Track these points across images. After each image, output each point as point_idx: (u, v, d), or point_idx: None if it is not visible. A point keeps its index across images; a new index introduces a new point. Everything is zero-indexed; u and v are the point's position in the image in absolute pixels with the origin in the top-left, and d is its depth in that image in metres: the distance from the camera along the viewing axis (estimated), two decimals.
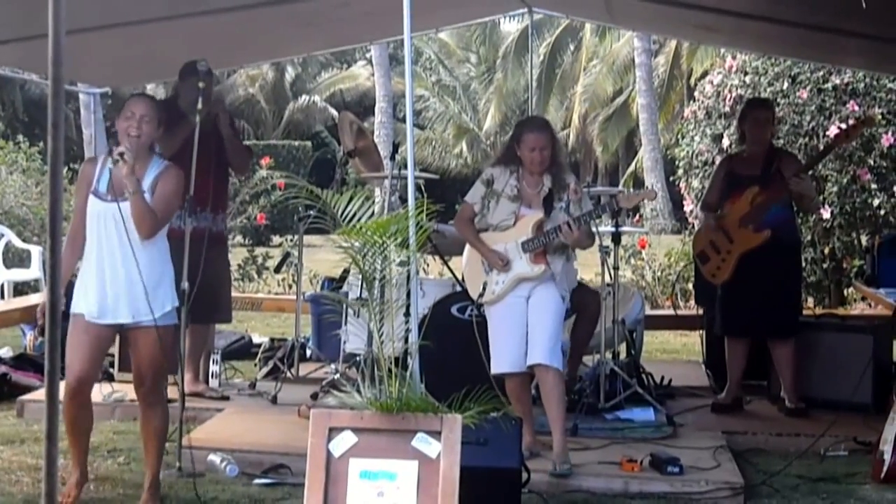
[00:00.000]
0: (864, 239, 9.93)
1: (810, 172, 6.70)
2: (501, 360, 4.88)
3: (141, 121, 4.17)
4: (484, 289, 4.97)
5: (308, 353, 7.34)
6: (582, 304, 5.68)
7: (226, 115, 6.06)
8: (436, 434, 3.45)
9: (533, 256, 4.88)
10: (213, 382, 6.31)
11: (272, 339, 8.06)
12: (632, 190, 5.02)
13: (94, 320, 4.16)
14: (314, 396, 6.02)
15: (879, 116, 9.38)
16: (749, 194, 5.90)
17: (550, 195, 4.93)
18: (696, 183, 10.52)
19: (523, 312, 4.87)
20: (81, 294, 4.17)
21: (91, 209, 4.20)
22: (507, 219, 4.94)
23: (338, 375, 6.05)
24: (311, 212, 6.33)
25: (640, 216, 16.09)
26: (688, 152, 10.73)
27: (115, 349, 6.13)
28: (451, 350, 5.11)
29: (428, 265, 9.86)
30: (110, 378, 6.14)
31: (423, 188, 6.84)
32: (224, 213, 6.28)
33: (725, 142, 9.94)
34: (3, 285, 10.23)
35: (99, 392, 5.92)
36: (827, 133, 9.34)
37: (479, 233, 5.03)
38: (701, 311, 7.05)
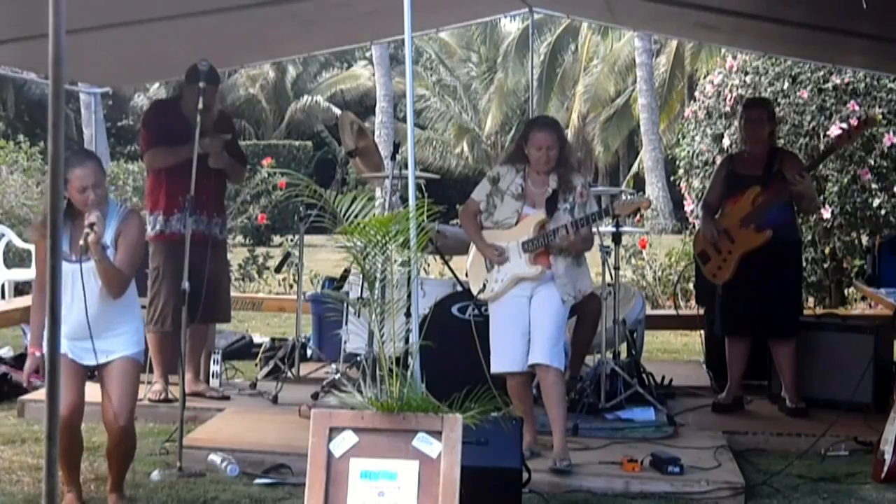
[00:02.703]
0: (864, 239, 9.93)
1: (811, 173, 6.69)
2: (502, 359, 4.88)
3: (94, 189, 4.17)
4: (484, 286, 4.97)
5: (309, 352, 7.35)
6: (583, 308, 5.68)
7: (221, 150, 5.98)
8: (436, 434, 3.45)
9: (533, 257, 4.88)
10: (214, 382, 6.31)
11: (273, 339, 8.05)
12: (630, 197, 5.01)
13: (70, 357, 4.21)
14: (315, 396, 6.02)
15: (880, 116, 9.38)
16: (750, 194, 5.89)
17: (555, 196, 4.92)
18: (696, 183, 10.52)
19: (525, 312, 4.87)
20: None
21: None
22: (509, 217, 4.94)
23: (338, 375, 6.05)
24: (312, 211, 6.36)
25: (641, 216, 16.08)
26: (688, 152, 10.73)
27: None
28: (452, 350, 5.10)
29: (429, 265, 9.86)
30: None
31: (423, 188, 6.83)
32: (222, 217, 6.29)
33: (726, 142, 9.94)
34: (3, 285, 10.23)
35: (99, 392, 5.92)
36: (828, 133, 9.34)
37: (483, 230, 5.03)
38: (702, 311, 7.05)
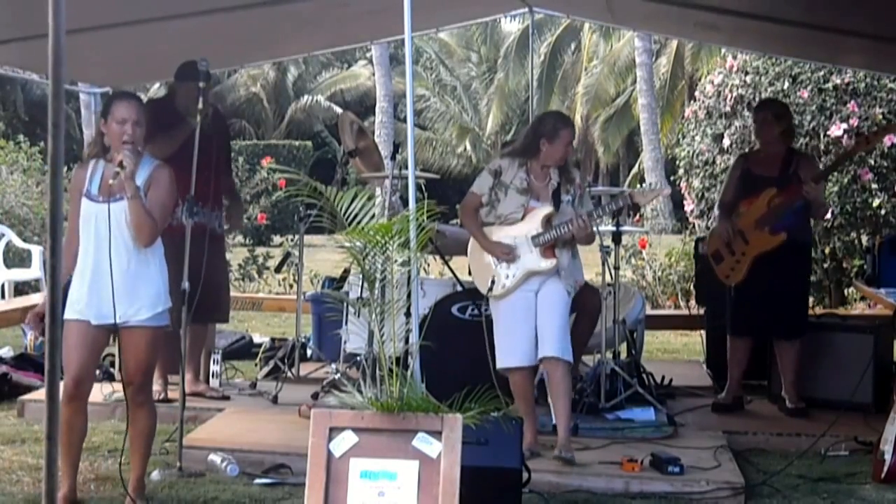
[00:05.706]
0: (864, 239, 9.93)
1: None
2: (510, 355, 4.88)
3: (134, 125, 4.16)
4: (493, 283, 4.95)
5: (309, 352, 7.34)
6: (582, 303, 5.70)
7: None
8: (436, 434, 3.45)
9: (543, 250, 4.88)
10: (214, 382, 6.30)
11: (273, 339, 8.05)
12: (647, 187, 5.02)
13: (84, 320, 4.12)
14: (315, 396, 6.02)
15: (880, 116, 9.39)
16: (766, 196, 5.84)
17: (558, 189, 4.94)
18: (696, 183, 10.53)
19: (532, 306, 4.87)
20: (74, 298, 4.14)
21: (84, 211, 4.18)
22: (515, 211, 4.93)
23: (338, 375, 6.04)
24: (312, 211, 6.35)
25: (641, 216, 16.10)
26: (688, 152, 10.73)
27: (115, 349, 6.12)
28: (452, 350, 5.10)
29: (429, 265, 9.86)
30: (111, 378, 6.13)
31: (423, 188, 6.84)
32: (222, 211, 6.27)
33: (726, 141, 9.95)
34: (3, 285, 10.23)
35: (99, 392, 5.92)
36: (828, 133, 9.35)
37: (485, 225, 5.02)
38: (701, 311, 7.04)
